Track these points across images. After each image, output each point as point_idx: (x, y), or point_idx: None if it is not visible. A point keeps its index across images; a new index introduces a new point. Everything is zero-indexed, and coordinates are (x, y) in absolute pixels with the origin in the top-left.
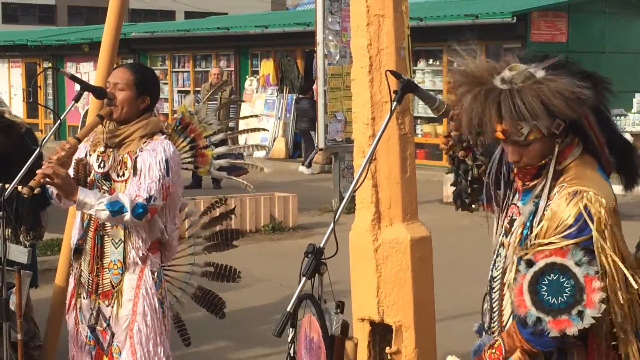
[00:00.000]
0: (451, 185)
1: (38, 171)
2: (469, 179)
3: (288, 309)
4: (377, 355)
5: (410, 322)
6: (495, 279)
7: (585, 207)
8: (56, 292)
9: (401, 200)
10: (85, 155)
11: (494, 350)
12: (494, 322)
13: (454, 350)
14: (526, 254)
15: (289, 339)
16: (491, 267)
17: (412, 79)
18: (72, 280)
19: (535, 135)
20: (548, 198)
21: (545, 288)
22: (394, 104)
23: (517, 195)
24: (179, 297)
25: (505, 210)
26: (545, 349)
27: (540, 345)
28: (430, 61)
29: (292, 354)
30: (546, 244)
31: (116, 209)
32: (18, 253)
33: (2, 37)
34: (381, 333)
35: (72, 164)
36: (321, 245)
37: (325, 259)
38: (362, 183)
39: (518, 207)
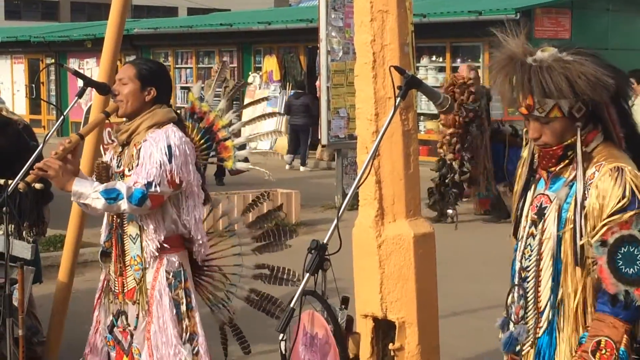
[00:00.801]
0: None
1: (35, 166)
2: (447, 181)
3: (291, 305)
4: (380, 351)
5: (414, 319)
6: (528, 269)
7: (632, 181)
8: (59, 288)
9: (404, 196)
10: (110, 159)
11: (604, 351)
12: (528, 311)
13: (457, 347)
14: (593, 236)
15: (280, 337)
16: (518, 258)
17: (416, 75)
18: (102, 278)
19: (556, 113)
20: (588, 177)
21: (622, 262)
22: (398, 99)
23: (541, 185)
24: (228, 301)
25: (523, 203)
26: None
27: (636, 318)
28: (434, 57)
29: (283, 352)
30: (609, 221)
31: (112, 196)
32: (21, 249)
33: (5, 33)
34: (384, 329)
35: (94, 167)
36: (324, 241)
37: (328, 255)
38: (365, 179)
39: (547, 195)
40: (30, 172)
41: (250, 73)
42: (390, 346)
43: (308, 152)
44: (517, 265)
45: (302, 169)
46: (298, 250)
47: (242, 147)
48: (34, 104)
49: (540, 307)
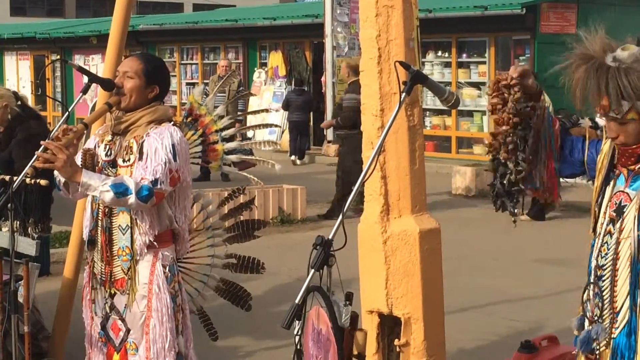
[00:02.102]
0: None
1: (41, 154)
2: (505, 182)
3: (297, 301)
4: (386, 347)
5: (419, 314)
6: (604, 267)
7: None
8: (65, 285)
9: (410, 192)
10: (95, 147)
11: None
12: (604, 310)
13: (463, 342)
14: None
15: (295, 331)
16: (594, 256)
17: (421, 70)
18: (85, 275)
19: (633, 116)
20: None
21: None
22: (403, 95)
23: (621, 182)
24: (201, 290)
25: (602, 198)
26: None
27: None
28: (439, 53)
29: (298, 346)
30: None
31: (121, 191)
32: (26, 245)
33: (10, 30)
34: (390, 325)
35: (80, 153)
36: (330, 237)
37: (333, 251)
38: (370, 175)
39: (627, 193)
40: (38, 157)
41: (255, 69)
42: (396, 342)
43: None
44: (593, 263)
45: (298, 162)
46: (303, 246)
47: (232, 152)
48: (40, 100)
49: (616, 307)
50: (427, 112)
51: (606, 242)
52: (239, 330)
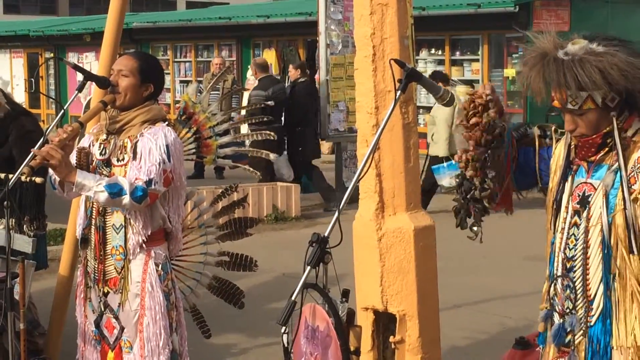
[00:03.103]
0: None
1: (37, 152)
2: (467, 198)
3: (293, 298)
4: (381, 344)
5: (414, 312)
6: (574, 258)
7: None
8: (60, 282)
9: (405, 189)
10: (89, 145)
11: None
12: (577, 301)
13: (457, 339)
14: None
15: (283, 330)
16: (561, 249)
17: (416, 68)
18: (80, 274)
19: (589, 105)
20: (635, 161)
21: None
22: (398, 92)
23: (582, 175)
24: (194, 288)
25: (561, 194)
26: None
27: None
28: (433, 50)
29: (285, 344)
30: None
31: (115, 191)
32: (23, 243)
33: (3, 28)
34: (385, 322)
35: (75, 152)
36: (326, 234)
37: (329, 248)
38: (366, 172)
39: (590, 183)
40: (35, 158)
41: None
42: (391, 339)
43: None
44: (561, 256)
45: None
46: (297, 244)
47: (225, 145)
48: (33, 98)
49: (589, 295)
50: (421, 109)
51: (573, 234)
52: (233, 328)
